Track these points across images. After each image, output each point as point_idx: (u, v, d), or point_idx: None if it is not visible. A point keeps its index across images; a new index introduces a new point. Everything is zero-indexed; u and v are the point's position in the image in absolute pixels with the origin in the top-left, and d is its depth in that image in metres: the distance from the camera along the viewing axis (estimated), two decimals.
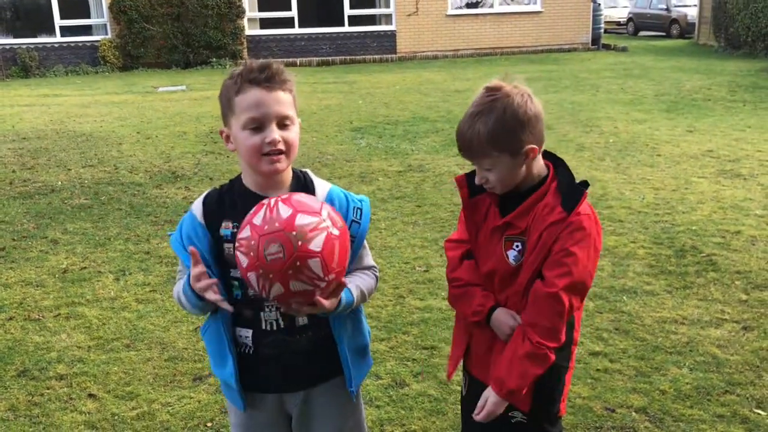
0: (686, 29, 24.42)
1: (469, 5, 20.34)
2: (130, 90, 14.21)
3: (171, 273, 4.70)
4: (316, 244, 1.60)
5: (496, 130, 1.81)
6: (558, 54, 19.52)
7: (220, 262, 1.86)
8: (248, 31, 18.96)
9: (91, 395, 3.32)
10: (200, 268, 1.75)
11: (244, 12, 18.52)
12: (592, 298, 4.13)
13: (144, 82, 15.39)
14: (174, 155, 8.20)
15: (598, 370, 3.40)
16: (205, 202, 1.91)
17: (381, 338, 3.74)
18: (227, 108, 1.83)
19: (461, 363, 2.20)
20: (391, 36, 19.71)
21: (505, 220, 1.94)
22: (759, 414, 3.02)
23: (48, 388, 3.39)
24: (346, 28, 19.65)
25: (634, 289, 4.29)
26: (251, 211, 1.68)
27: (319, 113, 10.67)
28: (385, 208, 5.97)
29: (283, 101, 1.79)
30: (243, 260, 1.64)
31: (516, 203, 1.94)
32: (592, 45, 20.68)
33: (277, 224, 1.60)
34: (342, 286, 1.73)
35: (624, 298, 4.18)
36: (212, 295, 1.74)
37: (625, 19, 28.87)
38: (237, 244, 1.67)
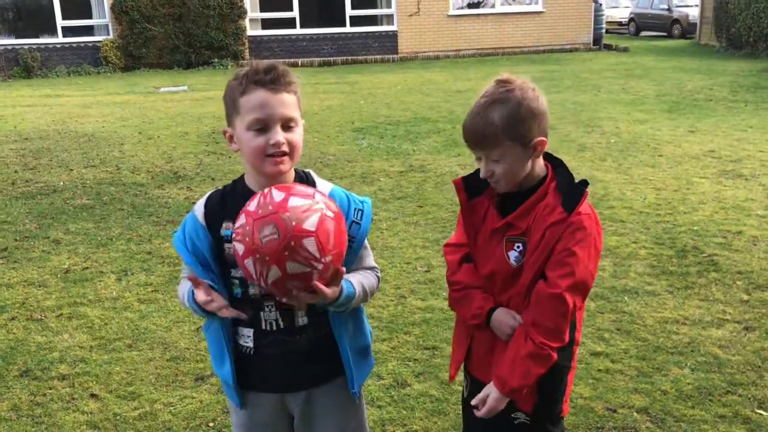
0: (688, 29, 24.40)
1: (470, 5, 20.33)
2: (132, 90, 14.23)
3: (173, 273, 4.71)
4: (310, 224, 1.61)
5: (511, 119, 1.83)
6: (559, 54, 19.51)
7: (220, 262, 1.87)
8: (250, 32, 18.96)
9: (93, 395, 3.33)
10: (204, 294, 1.76)
11: (245, 12, 18.53)
12: (594, 298, 4.13)
13: (146, 83, 15.40)
14: (176, 155, 8.21)
15: (599, 370, 3.40)
16: (207, 204, 1.92)
17: (382, 338, 3.75)
18: (232, 108, 1.83)
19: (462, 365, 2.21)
20: (393, 36, 19.71)
21: (506, 221, 1.94)
22: (761, 414, 3.02)
23: (50, 388, 3.39)
24: (348, 29, 19.65)
25: (635, 290, 4.29)
26: (247, 202, 1.70)
27: (320, 113, 10.68)
28: (386, 208, 5.98)
29: (287, 103, 1.80)
30: (240, 248, 1.65)
31: (515, 204, 1.94)
32: (593, 45, 20.67)
33: (270, 207, 1.63)
34: (340, 273, 1.72)
35: (625, 298, 4.18)
36: (226, 313, 1.78)
37: (627, 20, 28.85)
38: (233, 234, 1.68)
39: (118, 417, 3.15)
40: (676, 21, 25.41)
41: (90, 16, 18.45)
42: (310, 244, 1.60)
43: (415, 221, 5.67)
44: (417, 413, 3.11)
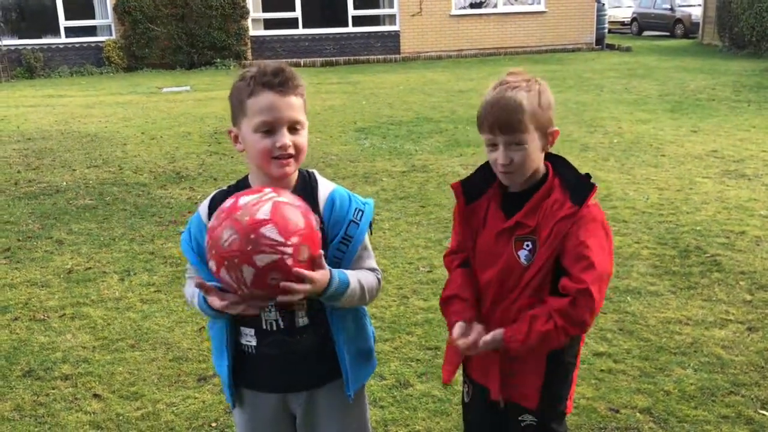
0: (690, 29, 24.36)
1: (472, 5, 20.34)
2: (135, 90, 14.24)
3: (176, 273, 4.71)
4: (263, 213, 1.63)
5: (535, 104, 1.86)
6: (562, 54, 19.50)
7: None
8: (252, 32, 18.98)
9: (96, 395, 3.33)
10: (219, 300, 1.73)
11: (248, 12, 18.55)
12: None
13: (148, 83, 15.42)
14: (178, 156, 8.22)
15: (602, 370, 3.39)
16: (211, 204, 1.92)
17: (385, 339, 3.75)
18: (238, 109, 1.84)
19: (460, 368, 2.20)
20: (395, 36, 19.71)
21: (515, 220, 1.94)
22: (764, 415, 3.01)
23: (53, 388, 3.40)
24: (350, 29, 19.67)
25: (638, 290, 4.28)
26: None
27: (323, 114, 10.68)
28: (389, 208, 5.98)
29: (294, 106, 1.80)
30: (212, 265, 1.68)
31: (519, 203, 1.94)
32: (596, 45, 20.66)
33: (222, 214, 1.67)
34: (318, 254, 1.72)
35: (628, 298, 4.17)
36: (250, 310, 1.77)
37: (629, 19, 28.82)
38: (207, 256, 1.71)
39: (120, 417, 3.15)
40: (679, 21, 25.37)
41: (93, 17, 18.49)
42: (269, 230, 1.61)
43: (418, 221, 5.66)
44: (419, 413, 3.11)
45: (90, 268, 4.91)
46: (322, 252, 1.74)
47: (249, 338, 1.92)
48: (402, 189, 6.58)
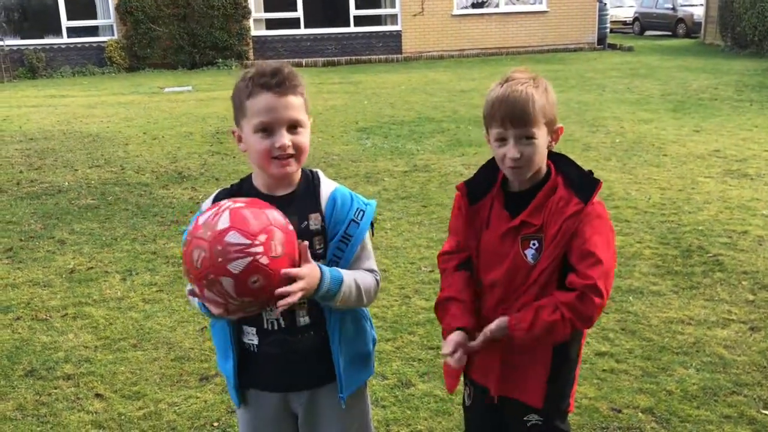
0: (692, 29, 24.34)
1: (474, 5, 20.33)
2: (137, 91, 14.25)
3: (178, 273, 4.72)
4: (223, 223, 1.66)
5: (544, 99, 1.90)
6: (564, 54, 19.49)
7: None
8: (254, 32, 18.99)
9: (98, 395, 3.33)
10: (214, 306, 1.74)
11: (249, 12, 18.56)
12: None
13: (150, 83, 15.43)
14: (180, 156, 8.23)
15: (604, 370, 3.39)
16: (214, 202, 1.92)
17: (387, 338, 3.75)
18: (239, 110, 1.85)
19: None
20: (397, 36, 19.71)
21: (521, 219, 1.94)
22: (766, 414, 3.01)
23: (55, 388, 3.40)
24: (352, 29, 19.67)
25: (640, 290, 4.28)
26: None
27: (324, 113, 10.68)
28: (390, 208, 5.98)
29: (293, 106, 1.80)
30: (195, 289, 1.72)
31: (523, 202, 1.95)
32: (598, 45, 20.64)
33: (187, 238, 1.71)
34: (303, 246, 1.74)
35: (630, 298, 4.17)
36: (250, 315, 1.81)
37: (631, 19, 28.80)
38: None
39: (122, 417, 3.16)
40: (681, 20, 25.35)
41: (95, 17, 18.50)
42: (232, 237, 1.64)
43: (420, 221, 5.66)
44: (421, 413, 3.11)
45: (92, 267, 4.91)
46: (306, 243, 1.76)
47: (251, 337, 1.93)
48: (404, 189, 6.58)
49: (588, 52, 19.83)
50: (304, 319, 1.89)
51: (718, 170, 6.90)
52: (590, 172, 1.98)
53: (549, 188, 1.93)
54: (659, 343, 3.64)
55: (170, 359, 3.64)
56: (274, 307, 1.80)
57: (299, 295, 1.71)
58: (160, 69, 17.93)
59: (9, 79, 16.96)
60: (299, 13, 19.28)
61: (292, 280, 1.69)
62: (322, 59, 18.96)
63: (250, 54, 18.67)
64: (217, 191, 1.98)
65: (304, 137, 1.84)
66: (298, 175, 1.92)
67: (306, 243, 1.77)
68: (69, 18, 18.16)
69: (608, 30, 21.65)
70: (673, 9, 25.87)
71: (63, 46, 18.02)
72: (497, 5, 20.30)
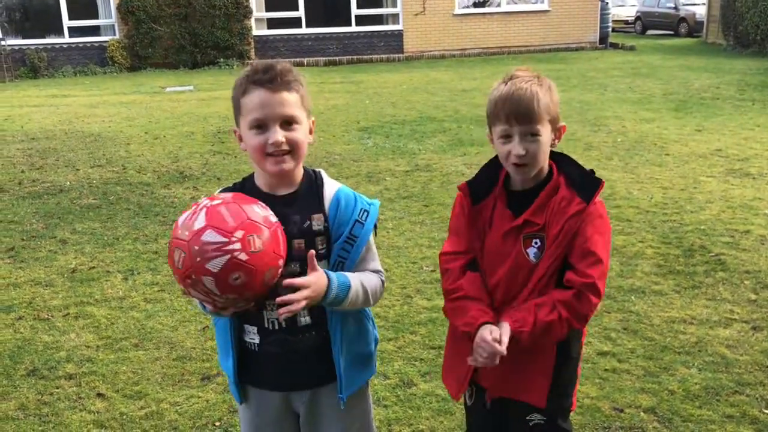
0: (695, 28, 24.31)
1: (476, 4, 20.31)
2: (138, 90, 14.26)
3: None
4: (199, 222, 1.67)
5: (549, 97, 1.91)
6: (565, 53, 19.47)
7: None
8: (255, 31, 18.98)
9: (99, 394, 3.33)
10: (208, 304, 1.77)
11: (251, 12, 18.55)
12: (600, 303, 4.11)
13: (152, 83, 15.44)
14: (182, 155, 8.23)
15: (606, 370, 3.39)
16: None
17: (388, 338, 3.74)
18: (237, 109, 1.86)
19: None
20: (398, 35, 19.70)
21: (524, 218, 1.94)
22: None
23: (57, 388, 3.40)
24: (353, 28, 19.66)
25: (642, 289, 4.27)
26: None
27: (326, 113, 10.68)
28: (392, 207, 5.97)
29: (287, 102, 1.80)
30: (182, 290, 1.73)
31: (526, 201, 1.95)
32: (599, 44, 20.62)
33: (170, 240, 1.73)
34: (310, 254, 1.75)
35: (632, 297, 4.17)
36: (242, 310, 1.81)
37: (633, 18, 28.76)
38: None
39: (124, 416, 3.16)
40: (683, 19, 25.33)
41: (96, 17, 18.50)
42: (208, 236, 1.64)
43: (421, 220, 5.66)
44: (423, 413, 3.11)
45: (94, 267, 4.92)
46: (313, 252, 1.76)
47: (252, 336, 1.93)
48: (405, 188, 6.58)
49: (590, 52, 19.81)
50: (305, 319, 1.89)
51: (720, 170, 6.89)
52: (592, 172, 1.98)
53: (551, 188, 1.94)
54: (661, 343, 3.63)
55: (172, 359, 3.64)
56: (275, 307, 1.81)
57: (303, 303, 1.72)
58: (162, 69, 17.93)
59: (11, 78, 16.98)
60: (301, 12, 19.27)
61: (296, 288, 1.69)
62: (324, 59, 18.95)
63: (252, 53, 18.67)
64: (218, 191, 1.98)
65: (300, 134, 1.83)
66: (299, 174, 1.91)
67: (312, 252, 1.77)
68: (71, 18, 18.16)
69: (610, 29, 21.63)
70: (675, 8, 25.85)
71: (65, 46, 18.03)
72: (499, 4, 20.28)
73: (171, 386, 3.39)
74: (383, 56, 19.37)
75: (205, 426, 3.07)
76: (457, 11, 19.81)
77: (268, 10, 19.55)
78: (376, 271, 1.96)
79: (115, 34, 18.25)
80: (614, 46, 20.92)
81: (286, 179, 1.88)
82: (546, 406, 2.00)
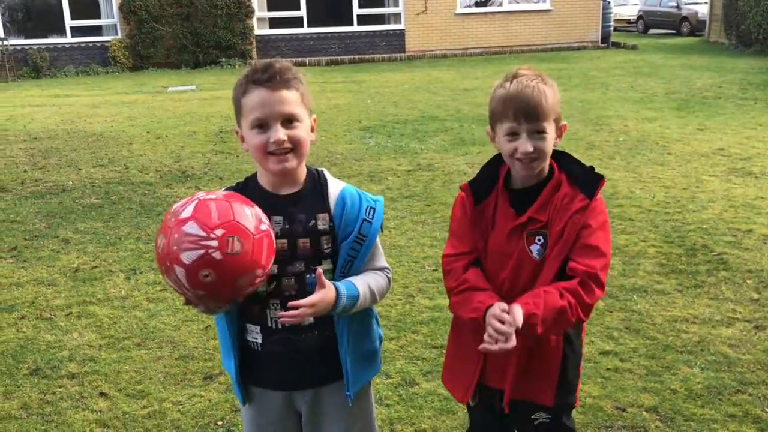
0: (697, 27, 24.29)
1: (478, 4, 20.29)
2: (140, 90, 14.27)
3: None
4: (186, 212, 1.66)
5: (554, 96, 1.92)
6: (567, 52, 19.46)
7: None
8: (257, 31, 18.99)
9: (102, 394, 3.34)
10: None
11: (253, 12, 18.56)
12: (602, 297, 4.10)
13: (154, 82, 15.45)
14: (184, 155, 8.23)
15: (608, 369, 3.38)
16: None
17: (390, 337, 3.74)
18: (237, 109, 1.87)
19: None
20: (400, 35, 19.70)
21: (528, 215, 1.94)
22: None
23: (60, 387, 3.41)
24: (355, 28, 19.65)
25: (644, 288, 4.27)
26: None
27: (328, 112, 10.68)
28: (394, 207, 5.97)
29: (287, 100, 1.80)
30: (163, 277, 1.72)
31: (528, 199, 1.95)
32: (601, 43, 20.59)
33: (159, 226, 1.72)
34: (317, 270, 1.76)
35: (634, 297, 4.16)
36: (209, 310, 1.81)
37: (635, 17, 28.75)
38: None
39: (127, 415, 3.16)
40: (685, 18, 25.30)
41: (98, 16, 18.51)
42: (189, 227, 1.63)
43: (423, 220, 5.66)
44: (425, 412, 3.11)
45: (96, 266, 4.92)
46: (320, 270, 1.77)
47: (255, 335, 1.93)
48: (407, 188, 6.58)
49: (591, 51, 19.79)
50: (308, 319, 1.89)
51: (723, 169, 6.89)
52: (592, 168, 2.00)
53: (553, 185, 1.95)
54: (663, 342, 3.63)
55: (174, 358, 3.65)
56: (278, 306, 1.81)
57: (307, 315, 1.76)
58: (164, 68, 17.94)
59: (13, 78, 17.00)
60: (302, 12, 19.28)
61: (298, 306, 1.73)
62: (326, 58, 18.96)
63: (254, 53, 18.68)
64: (222, 190, 1.98)
65: (301, 131, 1.83)
66: (303, 174, 1.92)
67: (320, 269, 1.78)
68: (73, 17, 18.18)
69: (612, 28, 21.61)
70: (678, 7, 25.82)
71: (67, 46, 18.04)
72: (500, 4, 20.27)
73: (173, 385, 3.39)
74: (385, 56, 19.37)
75: (207, 425, 3.07)
76: (459, 10, 19.80)
77: (269, 9, 19.56)
78: (383, 268, 1.98)
79: (117, 34, 18.26)
80: (616, 45, 20.90)
81: (289, 178, 1.88)
82: (553, 402, 2.01)
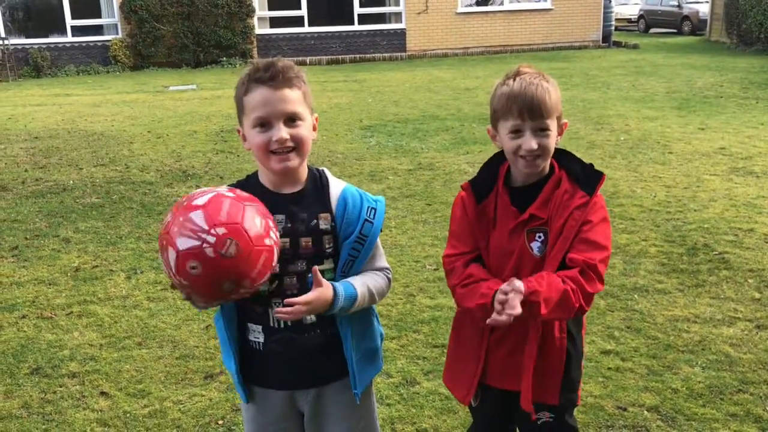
0: (698, 26, 24.27)
1: (478, 3, 20.28)
2: (141, 89, 14.27)
3: None
4: (201, 200, 1.66)
5: (556, 93, 1.93)
6: (568, 51, 19.44)
7: None
8: (258, 30, 18.99)
9: (103, 393, 3.34)
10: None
11: (254, 11, 18.56)
12: (603, 296, 4.11)
13: (155, 82, 15.45)
14: (185, 154, 8.23)
15: (609, 368, 3.38)
16: None
17: (392, 337, 3.74)
18: (239, 108, 1.86)
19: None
20: (401, 34, 19.69)
21: (529, 213, 1.94)
22: None
23: (61, 386, 3.41)
24: (356, 27, 19.65)
25: (645, 288, 4.27)
26: None
27: (329, 112, 10.68)
28: (395, 206, 5.97)
29: (289, 99, 1.80)
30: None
31: (528, 197, 1.95)
32: (602, 42, 20.58)
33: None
34: (314, 270, 1.76)
35: (635, 296, 4.16)
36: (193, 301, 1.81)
37: (636, 16, 28.72)
38: None
39: (127, 415, 3.16)
40: (686, 18, 25.28)
41: (99, 16, 18.51)
42: (196, 215, 1.63)
43: (424, 219, 5.66)
44: (426, 411, 3.10)
45: (97, 266, 4.92)
46: (317, 268, 1.78)
47: (257, 335, 1.93)
48: (408, 187, 6.58)
49: (593, 50, 19.78)
50: (310, 318, 1.89)
51: (724, 168, 6.88)
52: (592, 165, 2.00)
53: (554, 182, 1.96)
54: (665, 342, 3.63)
55: (175, 357, 3.65)
56: (279, 305, 1.81)
57: (302, 313, 1.76)
58: (165, 68, 17.95)
59: (14, 78, 17.00)
60: (303, 11, 19.27)
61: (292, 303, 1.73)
62: (327, 57, 18.96)
63: (255, 52, 18.68)
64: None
65: (303, 130, 1.83)
66: (304, 173, 1.92)
67: (317, 268, 1.78)
68: (73, 17, 18.17)
69: (613, 28, 21.58)
70: (679, 6, 25.80)
71: (68, 45, 18.05)
72: (501, 3, 20.25)
73: (174, 385, 3.39)
74: (386, 55, 19.36)
75: (208, 424, 3.07)
76: (460, 10, 19.79)
77: (270, 8, 19.55)
78: (383, 269, 1.97)
79: (117, 33, 18.26)
80: (617, 44, 20.88)
81: (291, 177, 1.88)
82: (559, 401, 2.01)
